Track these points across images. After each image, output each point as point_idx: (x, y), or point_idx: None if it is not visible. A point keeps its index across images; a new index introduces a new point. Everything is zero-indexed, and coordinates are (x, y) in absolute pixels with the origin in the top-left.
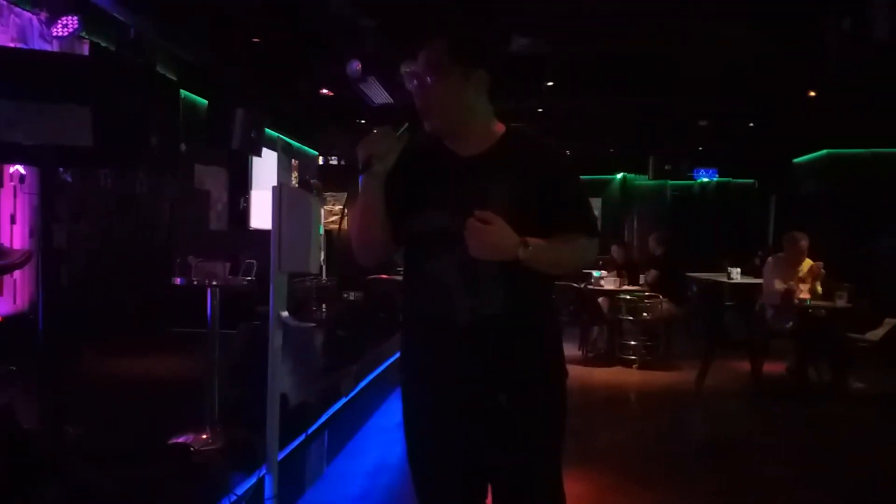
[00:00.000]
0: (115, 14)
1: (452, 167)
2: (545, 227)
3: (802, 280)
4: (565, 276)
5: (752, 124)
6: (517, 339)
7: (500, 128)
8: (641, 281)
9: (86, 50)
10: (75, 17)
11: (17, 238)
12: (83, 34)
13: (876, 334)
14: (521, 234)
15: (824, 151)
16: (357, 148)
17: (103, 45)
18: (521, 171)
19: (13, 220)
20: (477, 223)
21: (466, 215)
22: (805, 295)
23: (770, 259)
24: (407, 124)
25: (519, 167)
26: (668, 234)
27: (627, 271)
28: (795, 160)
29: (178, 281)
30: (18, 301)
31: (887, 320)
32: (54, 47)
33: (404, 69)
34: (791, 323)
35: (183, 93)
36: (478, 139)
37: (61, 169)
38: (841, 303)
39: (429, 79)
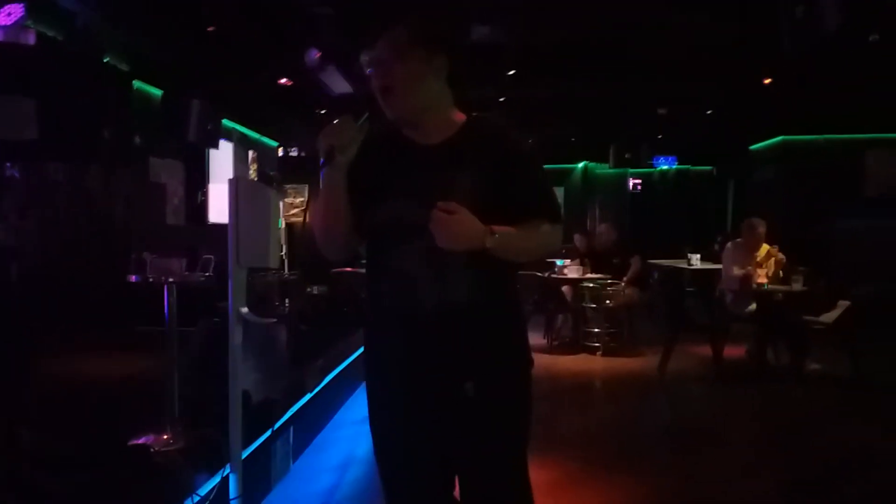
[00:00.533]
0: (62, 2)
1: (414, 156)
2: (508, 215)
3: (760, 265)
4: (529, 266)
5: (709, 112)
6: (482, 328)
7: (460, 116)
8: (619, 275)
9: (31, 40)
10: (20, 6)
11: None
12: (28, 23)
13: (830, 316)
14: (485, 222)
15: (780, 138)
16: (318, 139)
17: (50, 34)
18: (483, 160)
19: None
20: (442, 214)
21: (429, 205)
22: (763, 279)
23: (729, 245)
24: (367, 114)
25: (481, 155)
26: (615, 225)
27: (590, 259)
28: (752, 147)
29: (133, 278)
30: None
31: (840, 302)
32: None
33: (364, 57)
34: (750, 307)
35: (136, 84)
36: (438, 128)
37: (8, 164)
38: (797, 286)
39: (387, 64)
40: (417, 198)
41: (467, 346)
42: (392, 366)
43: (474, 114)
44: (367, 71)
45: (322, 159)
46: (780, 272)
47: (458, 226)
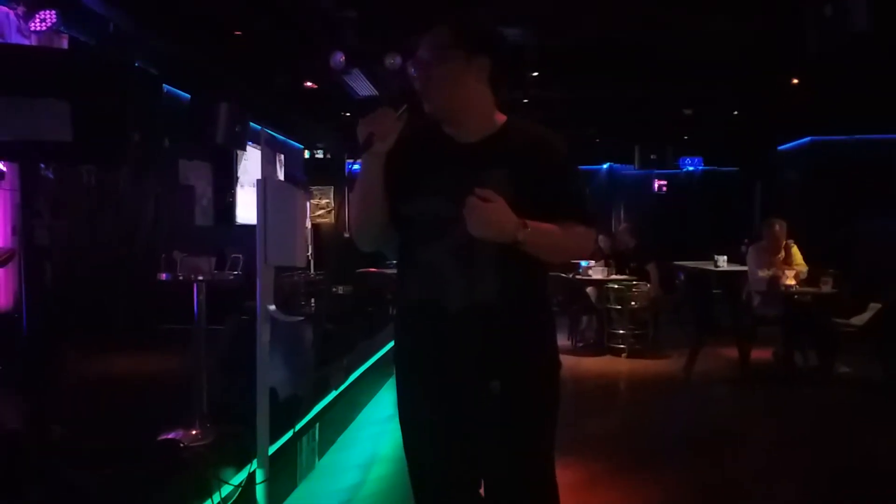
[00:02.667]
0: (94, 8)
1: (451, 153)
2: (542, 215)
3: (787, 265)
4: (554, 266)
5: (735, 112)
6: (511, 327)
7: (500, 117)
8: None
9: (65, 44)
10: (53, 12)
11: None
12: (61, 28)
13: (861, 319)
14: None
15: (808, 138)
16: (357, 127)
17: (82, 39)
18: (519, 160)
19: None
20: (477, 200)
21: (464, 202)
22: (791, 281)
23: (752, 247)
24: (406, 105)
25: (518, 156)
26: (635, 225)
27: (615, 260)
28: (780, 147)
29: (163, 276)
30: (2, 300)
31: (871, 305)
32: (32, 42)
33: (390, 61)
34: (778, 310)
35: (165, 87)
36: (477, 127)
37: (42, 165)
38: (826, 288)
39: (430, 63)
40: (452, 194)
41: (497, 345)
42: (422, 361)
43: (514, 116)
44: (410, 68)
45: (361, 146)
46: (802, 263)
47: (492, 213)
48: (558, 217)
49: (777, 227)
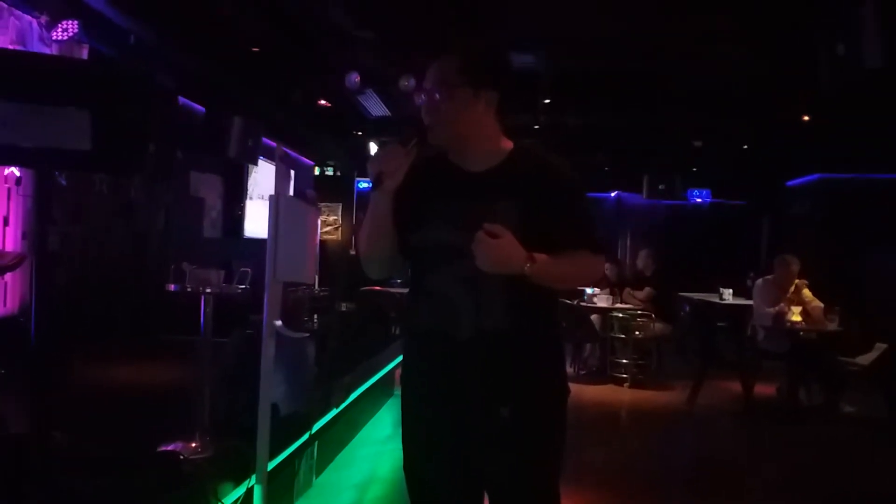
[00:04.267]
0: (115, 20)
1: (459, 182)
2: (550, 243)
3: (793, 302)
4: (560, 293)
5: (745, 146)
6: (519, 354)
7: (507, 144)
8: (626, 297)
9: (85, 55)
10: (75, 22)
11: (10, 240)
12: (83, 39)
13: (867, 358)
14: (526, 249)
15: (816, 175)
16: (368, 165)
17: (103, 50)
18: (527, 188)
19: (6, 222)
20: (486, 236)
21: (472, 230)
22: (797, 317)
23: (759, 281)
24: (416, 139)
25: (525, 184)
26: (656, 253)
27: (620, 289)
28: (788, 183)
29: (172, 287)
30: (9, 304)
31: (878, 345)
32: (53, 51)
33: (404, 81)
34: (782, 346)
35: (180, 99)
36: (485, 155)
37: (57, 172)
38: (832, 326)
39: (437, 95)
40: (460, 223)
41: (506, 372)
42: (428, 386)
43: (522, 141)
44: (416, 99)
45: (372, 184)
46: (813, 300)
47: (500, 249)
48: (567, 244)
49: (792, 265)
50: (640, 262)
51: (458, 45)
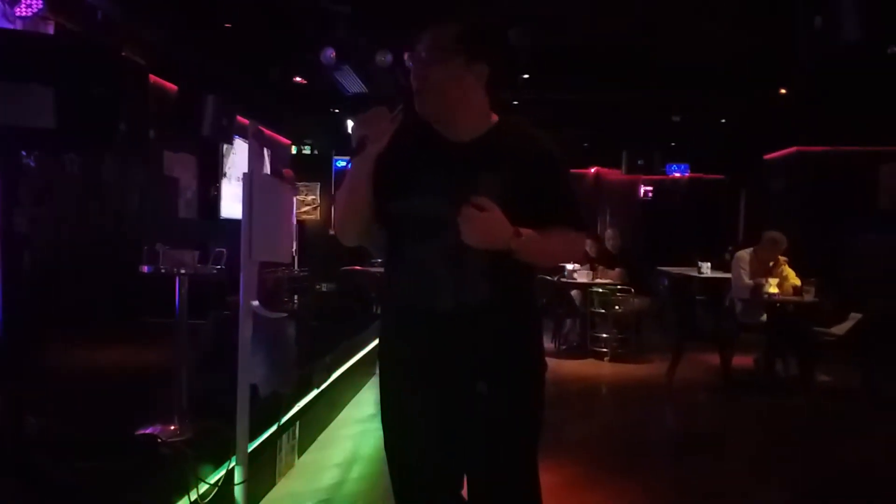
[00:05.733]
0: None
1: (442, 153)
2: (532, 217)
3: (771, 274)
4: (540, 269)
5: (723, 120)
6: (498, 328)
7: (493, 117)
8: (601, 275)
9: (51, 31)
10: None
11: None
12: (48, 15)
13: (841, 328)
14: (509, 222)
15: (794, 148)
16: (351, 128)
17: (69, 26)
18: (511, 161)
19: None
20: (473, 209)
21: (455, 201)
22: (773, 289)
23: (740, 253)
24: (402, 105)
25: (509, 157)
26: (621, 232)
27: (600, 264)
28: (766, 157)
29: (145, 269)
30: None
31: (852, 315)
32: (18, 28)
33: (381, 58)
34: (760, 317)
35: (152, 78)
36: (470, 127)
37: (24, 153)
38: (808, 297)
39: (428, 63)
40: (442, 194)
41: (484, 346)
42: (407, 360)
43: (507, 115)
44: (408, 63)
45: (354, 148)
46: (793, 276)
47: (487, 223)
48: (550, 220)
49: (781, 244)
50: (608, 242)
51: (455, 16)
